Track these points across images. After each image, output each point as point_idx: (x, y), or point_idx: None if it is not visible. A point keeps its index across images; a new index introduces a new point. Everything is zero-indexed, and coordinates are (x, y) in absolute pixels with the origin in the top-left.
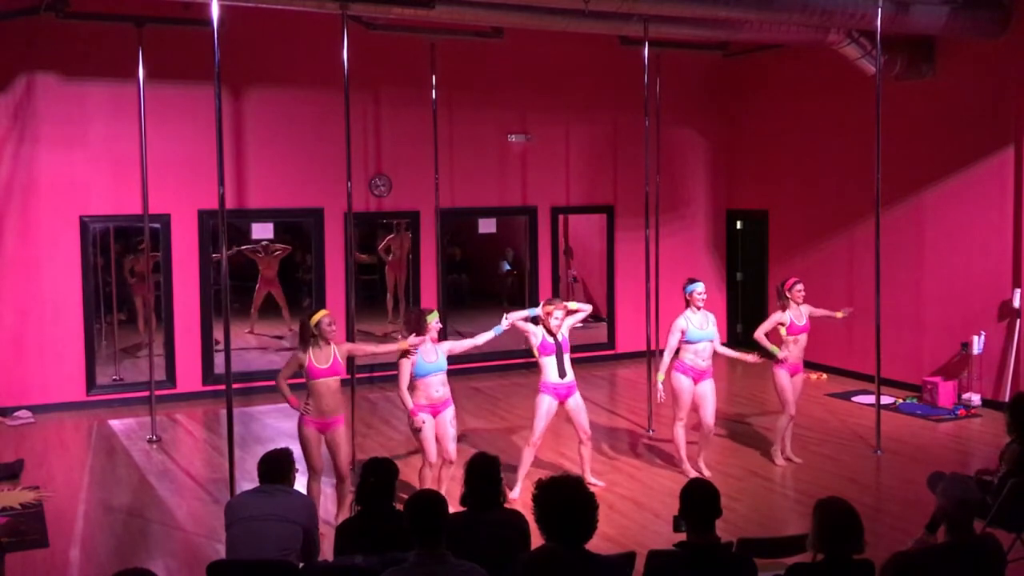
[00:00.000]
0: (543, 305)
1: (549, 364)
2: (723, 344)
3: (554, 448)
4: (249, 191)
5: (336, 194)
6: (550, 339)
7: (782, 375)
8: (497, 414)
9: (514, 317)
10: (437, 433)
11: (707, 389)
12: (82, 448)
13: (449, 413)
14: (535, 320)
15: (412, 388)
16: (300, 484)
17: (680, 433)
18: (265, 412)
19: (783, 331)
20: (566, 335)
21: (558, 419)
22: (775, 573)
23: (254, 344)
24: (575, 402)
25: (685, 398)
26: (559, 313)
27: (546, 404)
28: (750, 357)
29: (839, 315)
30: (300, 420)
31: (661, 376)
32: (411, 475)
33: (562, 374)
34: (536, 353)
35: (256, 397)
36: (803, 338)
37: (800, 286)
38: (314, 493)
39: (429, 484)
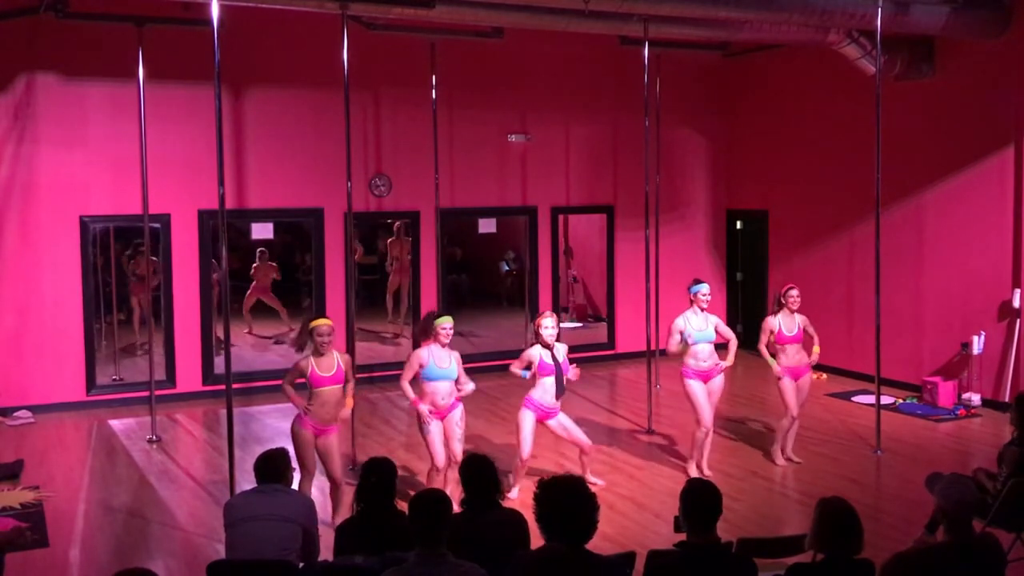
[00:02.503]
0: (535, 320)
1: (546, 384)
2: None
3: (554, 449)
4: (249, 191)
5: (336, 194)
6: (548, 360)
7: (784, 381)
8: (497, 414)
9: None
10: (445, 434)
11: (715, 387)
12: (82, 448)
13: (457, 413)
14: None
15: (419, 392)
16: (297, 484)
17: (701, 438)
18: (265, 412)
19: (772, 338)
20: (565, 359)
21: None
22: (775, 573)
23: (252, 344)
24: (558, 422)
25: (701, 400)
26: (548, 322)
27: (530, 421)
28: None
29: (815, 353)
30: (296, 420)
31: (679, 346)
32: (410, 475)
33: (558, 396)
34: (537, 374)
35: (256, 397)
36: (792, 348)
37: (794, 292)
38: (306, 492)
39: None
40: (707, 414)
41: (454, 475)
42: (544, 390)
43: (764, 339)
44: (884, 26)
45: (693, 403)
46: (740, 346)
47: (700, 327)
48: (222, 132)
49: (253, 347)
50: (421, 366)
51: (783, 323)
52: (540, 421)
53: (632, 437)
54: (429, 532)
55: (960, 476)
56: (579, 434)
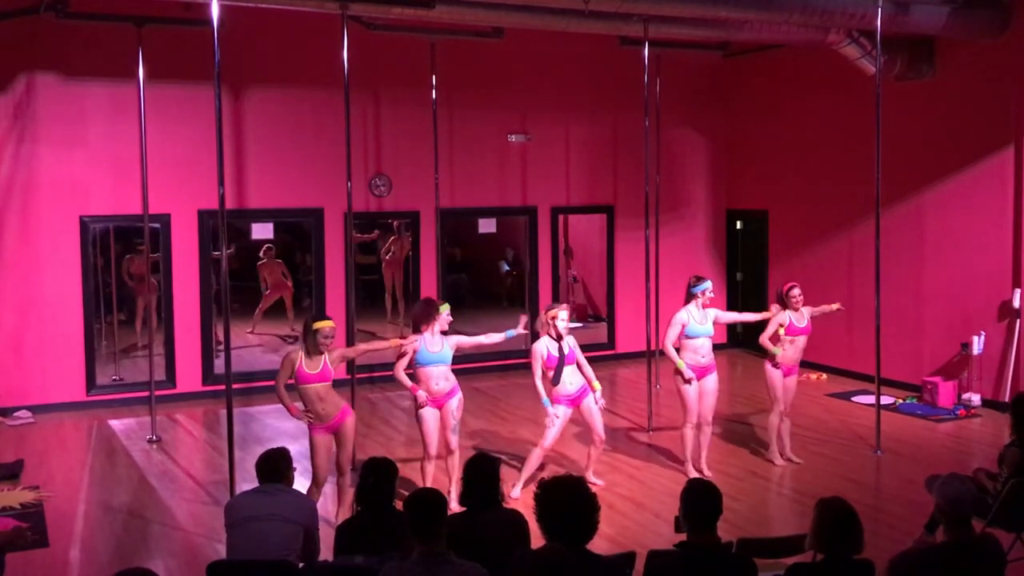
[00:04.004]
0: (545, 312)
1: (550, 375)
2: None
3: (554, 448)
4: (249, 191)
5: (336, 194)
6: (555, 352)
7: (774, 373)
8: (497, 414)
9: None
10: (440, 423)
11: (710, 385)
12: (82, 448)
13: (453, 403)
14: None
15: (413, 377)
16: (298, 484)
17: (689, 435)
18: (265, 412)
19: (781, 331)
20: (574, 346)
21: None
22: (775, 573)
23: (255, 344)
24: (586, 405)
25: (692, 398)
26: (564, 314)
27: (562, 414)
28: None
29: (834, 307)
30: (309, 428)
31: (681, 363)
32: (411, 475)
33: (555, 382)
34: (544, 370)
35: (256, 397)
36: (801, 340)
37: (796, 291)
38: (314, 500)
39: (431, 478)
40: (695, 411)
41: (454, 463)
42: (557, 381)
43: (771, 331)
44: (884, 26)
45: (683, 399)
46: (739, 346)
47: (701, 321)
48: (222, 132)
49: (253, 347)
50: (415, 351)
51: (792, 317)
52: (575, 406)
53: (632, 437)
54: (426, 530)
55: (957, 474)
56: (599, 424)
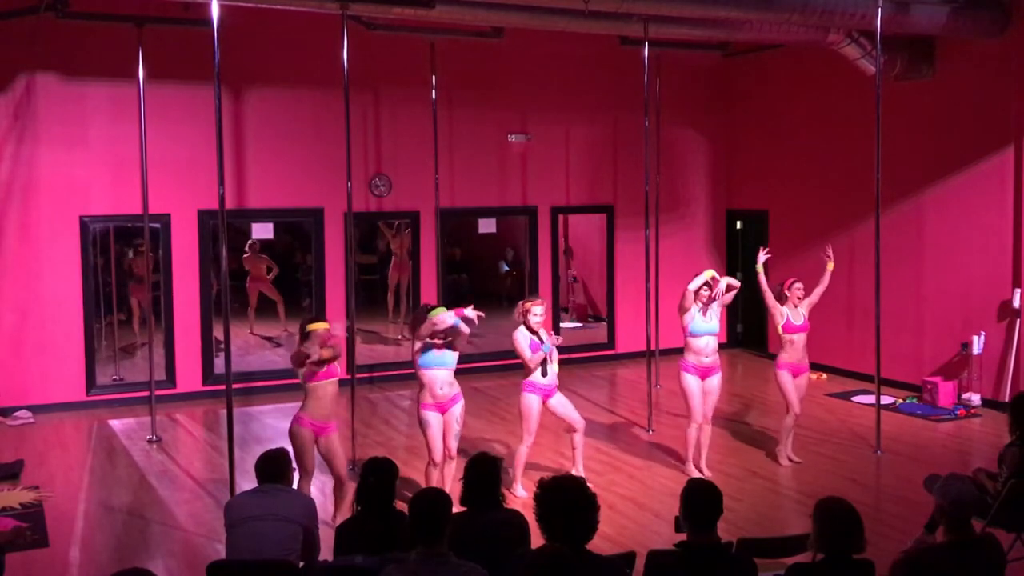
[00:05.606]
0: (521, 304)
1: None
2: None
3: (554, 448)
4: (249, 191)
5: (336, 194)
6: (536, 339)
7: (784, 376)
8: (497, 414)
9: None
10: (443, 428)
11: (713, 385)
12: (82, 448)
13: (457, 409)
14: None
15: (418, 384)
16: (296, 484)
17: (693, 434)
18: (265, 412)
19: (779, 329)
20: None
21: (554, 418)
22: (775, 573)
23: (253, 344)
24: (557, 400)
25: (696, 397)
26: (538, 309)
27: (537, 404)
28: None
29: (829, 266)
30: (295, 420)
31: (713, 274)
32: (410, 475)
33: (544, 373)
34: (528, 354)
35: (256, 397)
36: (799, 338)
37: (799, 286)
38: (305, 493)
39: (435, 483)
40: (699, 410)
41: (451, 470)
42: (540, 372)
43: (780, 322)
44: (884, 26)
45: (687, 397)
46: (739, 346)
47: (705, 318)
48: (222, 132)
49: (253, 347)
50: (419, 351)
51: (790, 314)
52: (543, 401)
53: (632, 437)
54: (430, 530)
55: (958, 475)
56: (574, 412)
